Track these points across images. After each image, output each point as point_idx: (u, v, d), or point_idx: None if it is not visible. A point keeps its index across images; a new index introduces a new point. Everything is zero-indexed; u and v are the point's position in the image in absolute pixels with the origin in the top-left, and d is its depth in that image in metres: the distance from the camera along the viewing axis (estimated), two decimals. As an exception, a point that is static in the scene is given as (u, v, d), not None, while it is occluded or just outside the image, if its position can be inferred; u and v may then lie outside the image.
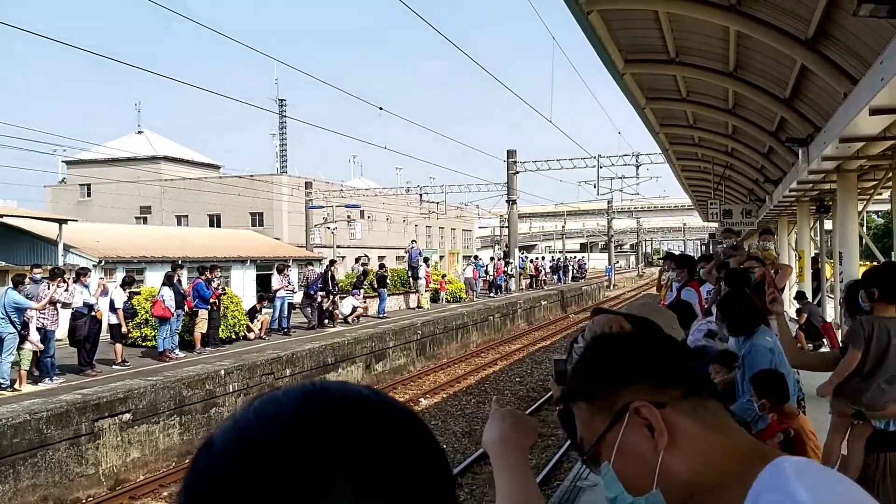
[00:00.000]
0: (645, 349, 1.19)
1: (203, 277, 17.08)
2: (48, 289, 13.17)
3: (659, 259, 69.20)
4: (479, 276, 35.46)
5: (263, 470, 0.60)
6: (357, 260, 28.66)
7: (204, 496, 0.61)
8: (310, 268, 22.89)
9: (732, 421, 1.16)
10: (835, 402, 4.73)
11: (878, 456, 4.31)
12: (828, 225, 15.05)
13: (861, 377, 4.46)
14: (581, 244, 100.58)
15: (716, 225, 22.49)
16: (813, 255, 16.94)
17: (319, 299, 21.86)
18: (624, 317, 2.62)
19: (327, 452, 0.61)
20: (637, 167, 36.75)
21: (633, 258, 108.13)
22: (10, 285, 12.92)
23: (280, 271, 20.92)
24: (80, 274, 14.61)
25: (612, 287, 60.07)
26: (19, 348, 12.62)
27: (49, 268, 14.77)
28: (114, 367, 14.76)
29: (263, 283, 32.63)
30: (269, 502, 0.59)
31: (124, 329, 15.52)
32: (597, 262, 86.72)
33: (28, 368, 12.78)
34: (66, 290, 13.73)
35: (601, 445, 1.15)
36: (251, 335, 19.47)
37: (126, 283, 15.93)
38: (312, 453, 0.60)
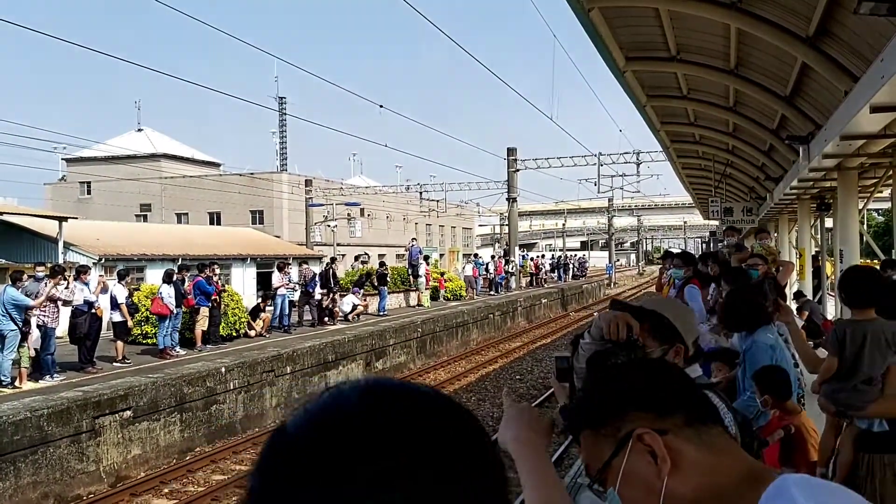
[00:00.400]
0: (647, 378, 1.23)
1: (203, 275, 17.09)
2: (46, 286, 13.18)
3: (658, 258, 69.24)
4: (480, 275, 35.46)
5: (329, 454, 0.66)
6: (356, 258, 28.67)
7: (275, 475, 0.67)
8: (305, 266, 22.89)
9: (734, 443, 1.20)
10: (820, 401, 4.76)
11: (864, 455, 4.32)
12: (828, 223, 15.05)
13: (838, 379, 4.52)
14: (582, 242, 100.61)
15: (717, 223, 22.50)
16: (813, 252, 16.94)
17: (319, 297, 21.88)
18: (637, 310, 2.62)
19: (383, 442, 0.66)
20: (638, 165, 36.71)
21: (633, 256, 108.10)
22: (9, 282, 12.94)
23: (281, 269, 20.94)
24: (81, 272, 14.61)
25: (612, 285, 60.04)
26: (20, 346, 12.63)
27: (50, 265, 14.78)
28: (114, 364, 14.78)
29: (264, 281, 32.64)
30: (330, 486, 0.64)
31: (130, 323, 15.48)
32: (597, 260, 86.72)
33: (28, 366, 12.79)
34: (67, 288, 13.73)
35: (607, 472, 1.19)
36: (252, 332, 19.49)
37: (121, 277, 15.94)
38: (370, 442, 0.66)
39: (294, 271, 21.42)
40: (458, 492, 0.67)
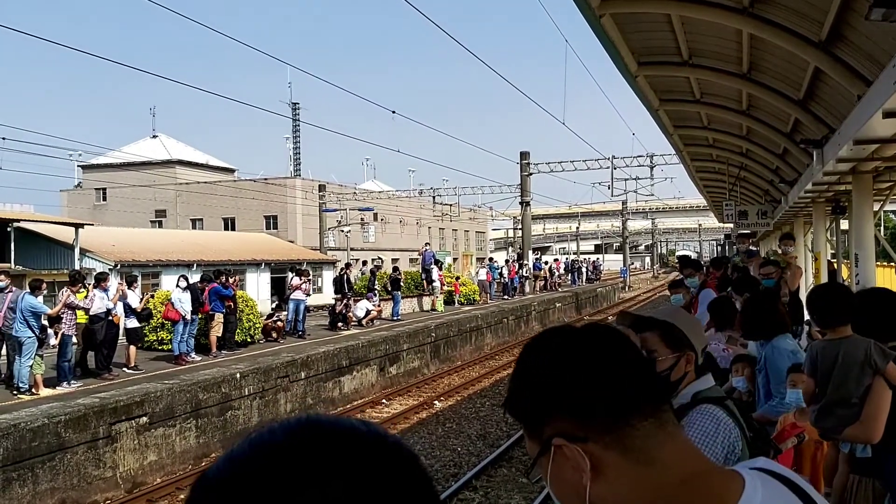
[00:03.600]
0: (568, 380, 1.12)
1: (218, 281, 17.20)
2: (64, 294, 13.30)
3: (675, 262, 68.81)
4: (493, 279, 35.44)
5: (247, 496, 0.65)
6: (364, 264, 28.76)
7: None
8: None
9: (672, 445, 1.11)
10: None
11: (853, 476, 4.24)
12: (844, 225, 14.95)
13: (815, 401, 4.32)
14: (595, 245, 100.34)
15: (731, 226, 22.39)
16: (829, 255, 16.81)
17: (333, 302, 21.95)
18: (648, 319, 2.64)
19: (311, 480, 0.65)
20: (651, 168, 36.62)
21: (648, 259, 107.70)
22: (27, 290, 13.07)
23: (299, 274, 21.07)
24: (100, 279, 14.74)
25: (627, 288, 59.84)
26: (38, 353, 12.74)
27: (69, 272, 14.89)
28: (126, 370, 14.87)
29: (278, 286, 32.78)
30: None
31: (139, 306, 15.51)
32: (612, 263, 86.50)
33: (43, 373, 12.90)
34: (87, 297, 13.85)
35: (539, 467, 1.15)
36: (274, 334, 19.68)
37: (128, 283, 16.02)
38: (298, 481, 0.65)
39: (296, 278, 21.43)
40: None
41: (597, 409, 1.09)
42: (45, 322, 12.91)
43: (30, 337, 12.48)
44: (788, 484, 1.13)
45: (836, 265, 16.15)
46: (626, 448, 1.08)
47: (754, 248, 12.96)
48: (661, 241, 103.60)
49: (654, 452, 1.08)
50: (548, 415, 1.12)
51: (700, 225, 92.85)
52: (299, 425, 0.71)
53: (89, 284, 14.67)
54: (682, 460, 1.10)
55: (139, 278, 17.06)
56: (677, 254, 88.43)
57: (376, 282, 24.93)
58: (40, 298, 12.85)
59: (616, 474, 1.08)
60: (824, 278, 16.01)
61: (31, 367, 12.66)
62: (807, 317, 8.49)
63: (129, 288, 15.57)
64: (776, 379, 4.57)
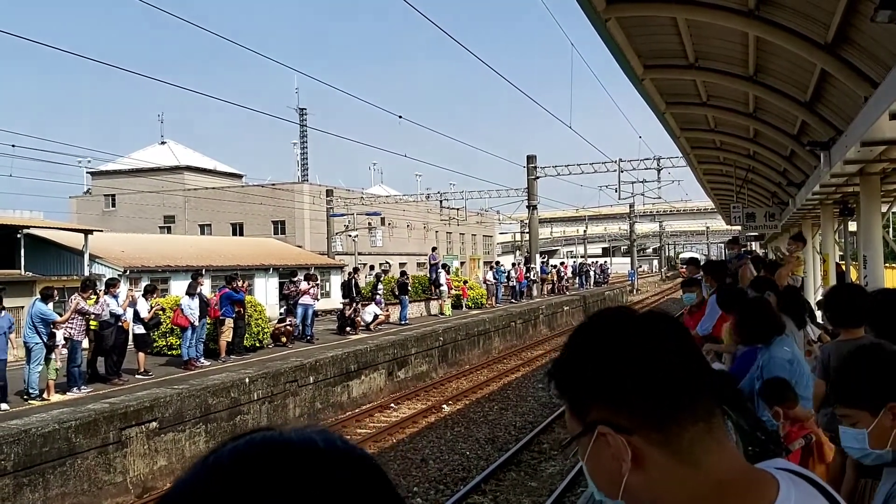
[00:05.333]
0: (623, 371, 1.09)
1: (231, 287, 17.27)
2: (74, 300, 13.37)
3: (681, 267, 68.58)
4: (500, 282, 35.44)
5: None
6: (372, 268, 28.78)
7: None
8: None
9: (718, 451, 1.09)
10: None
11: (861, 480, 4.21)
12: (852, 227, 14.91)
13: (827, 404, 4.21)
14: (603, 248, 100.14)
15: (739, 228, 22.34)
16: (838, 258, 16.76)
17: (342, 307, 21.98)
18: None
19: (253, 501, 0.65)
20: (658, 171, 36.60)
21: (656, 262, 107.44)
22: (39, 297, 13.15)
23: (309, 279, 21.12)
24: (110, 285, 14.83)
25: (635, 291, 59.72)
26: (47, 359, 12.82)
27: (79, 278, 14.98)
28: (136, 375, 14.94)
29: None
30: None
31: (147, 316, 15.59)
32: (619, 266, 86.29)
33: (54, 378, 12.98)
34: (97, 303, 13.93)
35: (577, 444, 1.14)
36: (283, 339, 19.74)
37: (148, 292, 16.10)
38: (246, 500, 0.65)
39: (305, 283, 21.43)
40: None
41: (647, 405, 1.07)
42: (54, 329, 12.97)
43: (37, 343, 12.56)
44: (814, 484, 1.14)
45: (844, 267, 16.11)
46: (671, 447, 1.06)
47: (746, 251, 12.87)
48: (668, 244, 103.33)
49: (700, 456, 1.07)
50: (596, 399, 1.10)
51: (708, 227, 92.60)
52: (247, 444, 0.70)
53: (100, 290, 14.76)
54: (722, 463, 1.09)
55: (156, 290, 17.09)
56: (681, 256, 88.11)
57: (381, 287, 24.95)
58: (51, 306, 12.93)
59: (656, 470, 1.07)
60: (833, 281, 15.97)
61: (38, 372, 12.73)
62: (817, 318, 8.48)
63: (144, 297, 15.65)
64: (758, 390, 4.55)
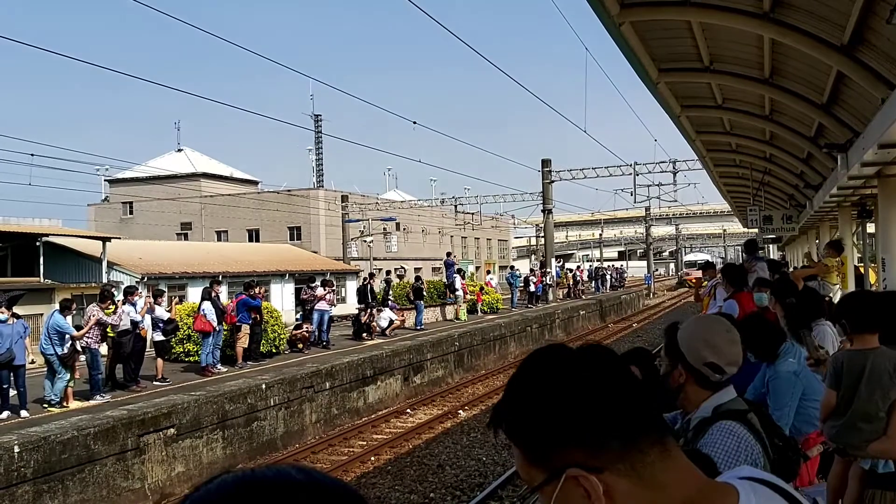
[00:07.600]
0: (582, 411, 1.08)
1: (249, 293, 17.35)
2: (92, 314, 13.44)
3: (688, 273, 68.23)
4: (515, 286, 35.45)
5: None
6: (388, 273, 28.83)
7: None
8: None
9: (676, 470, 1.12)
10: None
11: (868, 490, 4.14)
12: (870, 228, 14.77)
13: (837, 415, 4.14)
14: (619, 252, 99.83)
15: (756, 231, 22.20)
16: (856, 261, 16.61)
17: (357, 312, 22.00)
18: (672, 325, 2.64)
19: None
20: (674, 174, 36.35)
21: (672, 265, 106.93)
22: (57, 308, 13.25)
23: (325, 284, 21.16)
24: (128, 293, 14.93)
25: (651, 295, 59.44)
26: (70, 368, 12.89)
27: (98, 286, 15.09)
28: (154, 382, 15.03)
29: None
30: None
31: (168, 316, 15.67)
32: (636, 270, 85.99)
33: (73, 386, 13.06)
34: (115, 313, 14.02)
35: (539, 493, 1.13)
36: (300, 345, 19.80)
37: (155, 296, 16.19)
38: None
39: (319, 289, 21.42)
40: None
41: (613, 440, 1.07)
42: (71, 342, 13.04)
43: (52, 354, 12.64)
44: (774, 488, 1.18)
45: (863, 270, 15.96)
46: (636, 475, 1.08)
47: (761, 256, 12.76)
48: (685, 247, 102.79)
49: (661, 476, 1.09)
50: (560, 444, 1.09)
51: (724, 230, 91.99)
52: (219, 488, 0.72)
53: (118, 300, 14.86)
54: (684, 481, 1.11)
55: (165, 292, 17.21)
56: (685, 259, 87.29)
57: (391, 293, 24.94)
58: (69, 319, 13.02)
59: (625, 501, 1.07)
60: (851, 283, 15.84)
61: (53, 381, 12.80)
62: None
63: (155, 301, 15.75)
64: (775, 404, 4.48)
